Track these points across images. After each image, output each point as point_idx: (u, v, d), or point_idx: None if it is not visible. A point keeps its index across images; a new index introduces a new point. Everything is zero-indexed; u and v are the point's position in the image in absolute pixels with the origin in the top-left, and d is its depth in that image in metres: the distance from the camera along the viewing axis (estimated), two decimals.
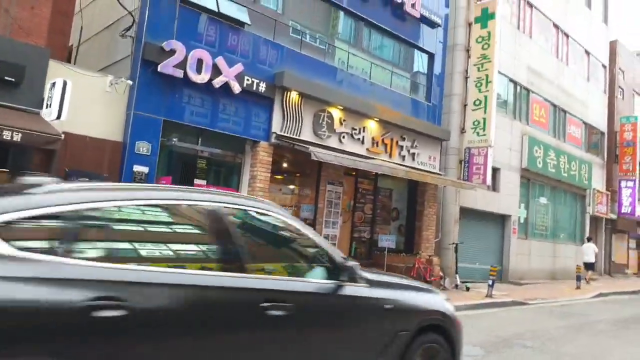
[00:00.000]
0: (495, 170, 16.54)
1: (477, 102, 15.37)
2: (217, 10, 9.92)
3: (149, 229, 3.07)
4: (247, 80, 10.17)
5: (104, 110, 8.96)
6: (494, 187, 16.85)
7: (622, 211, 24.59)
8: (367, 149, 12.58)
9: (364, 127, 12.54)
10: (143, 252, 2.92)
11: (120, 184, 4.41)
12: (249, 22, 10.48)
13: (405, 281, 4.39)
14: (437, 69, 14.98)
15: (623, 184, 24.65)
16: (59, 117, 7.64)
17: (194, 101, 9.69)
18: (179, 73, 9.19)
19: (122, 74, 9.21)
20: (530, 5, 19.07)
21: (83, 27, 10.68)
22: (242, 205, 3.34)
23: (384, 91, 13.25)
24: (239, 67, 9.97)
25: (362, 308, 3.55)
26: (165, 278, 2.67)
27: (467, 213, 15.80)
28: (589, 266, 18.69)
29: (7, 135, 6.77)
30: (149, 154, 9.19)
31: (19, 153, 8.29)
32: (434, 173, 14.17)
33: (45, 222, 2.50)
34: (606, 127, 24.44)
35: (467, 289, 12.90)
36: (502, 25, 16.32)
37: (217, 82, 9.66)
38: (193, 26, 9.68)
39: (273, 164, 10.95)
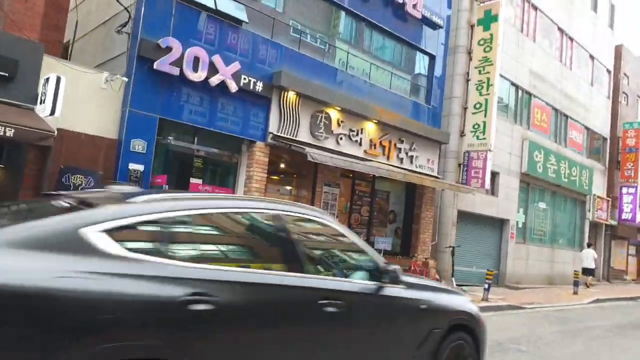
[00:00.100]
0: (494, 175, 16.44)
1: (478, 105, 15.27)
2: (214, 8, 9.84)
3: (228, 233, 3.46)
4: (244, 79, 10.10)
5: (100, 107, 8.91)
6: (493, 191, 16.76)
7: (623, 217, 24.47)
8: (365, 151, 12.51)
9: (362, 129, 12.46)
10: (224, 254, 3.32)
11: (201, 194, 4.88)
12: (246, 20, 10.40)
13: (436, 284, 4.88)
14: (437, 71, 14.88)
15: (624, 190, 24.52)
16: (52, 113, 7.58)
17: (190, 99, 9.63)
18: (175, 71, 9.12)
19: (118, 70, 9.15)
20: (535, 8, 18.92)
21: (79, 24, 10.63)
22: (299, 212, 3.71)
23: (383, 93, 13.17)
24: (236, 66, 9.90)
25: (401, 307, 3.93)
26: (244, 277, 3.04)
27: (464, 217, 15.72)
28: (588, 272, 18.67)
29: None
30: (144, 152, 9.13)
31: (13, 149, 8.25)
32: (432, 176, 14.09)
33: (146, 227, 2.84)
34: (609, 132, 24.29)
35: (463, 292, 12.83)
36: (505, 27, 16.21)
37: (214, 81, 9.59)
38: (190, 23, 9.61)
39: (270, 165, 10.89)
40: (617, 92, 25.23)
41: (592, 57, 22.73)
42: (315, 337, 3.33)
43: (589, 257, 18.78)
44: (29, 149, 8.14)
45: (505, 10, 15.88)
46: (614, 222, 24.49)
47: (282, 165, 12.07)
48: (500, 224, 17.51)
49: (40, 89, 7.84)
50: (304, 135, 11.22)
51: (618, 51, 25.31)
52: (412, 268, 12.61)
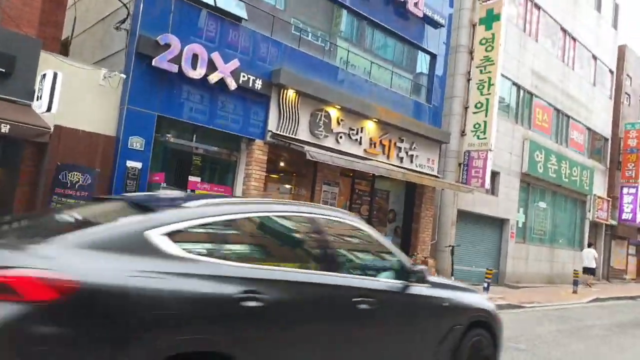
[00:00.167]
0: (494, 174, 16.38)
1: (479, 105, 15.20)
2: (214, 5, 9.78)
3: (271, 235, 3.71)
4: (244, 76, 10.03)
5: (97, 103, 8.85)
6: (493, 191, 16.70)
7: (623, 217, 24.44)
8: (365, 150, 12.45)
9: (362, 128, 12.40)
10: (269, 254, 3.57)
11: (247, 198, 5.06)
12: (246, 18, 10.33)
13: (457, 283, 5.24)
14: (439, 70, 14.80)
15: (625, 190, 24.48)
16: (49, 109, 7.53)
17: (189, 97, 9.57)
18: (174, 68, 9.06)
19: (116, 67, 9.10)
20: (538, 7, 18.80)
21: (78, 20, 10.56)
22: (333, 215, 3.98)
23: (383, 91, 13.10)
24: (235, 63, 9.84)
25: (426, 305, 4.16)
26: (288, 276, 3.27)
27: (464, 216, 15.67)
28: (589, 271, 18.74)
29: None
30: (142, 149, 9.08)
31: (10, 146, 8.21)
32: (432, 176, 14.03)
33: (201, 230, 3.07)
34: (610, 133, 24.19)
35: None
36: (507, 27, 16.11)
37: (213, 78, 9.53)
38: (189, 20, 9.55)
39: (269, 163, 10.84)
40: (620, 92, 25.12)
41: (595, 57, 22.61)
42: (349, 332, 3.56)
43: (589, 257, 18.81)
44: (26, 146, 8.10)
45: (507, 10, 15.78)
46: (614, 222, 24.46)
47: (282, 164, 12.01)
48: (500, 223, 17.46)
49: (37, 85, 7.79)
50: (303, 134, 11.16)
51: (621, 51, 25.20)
52: None
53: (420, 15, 13.69)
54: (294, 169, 12.22)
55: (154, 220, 2.88)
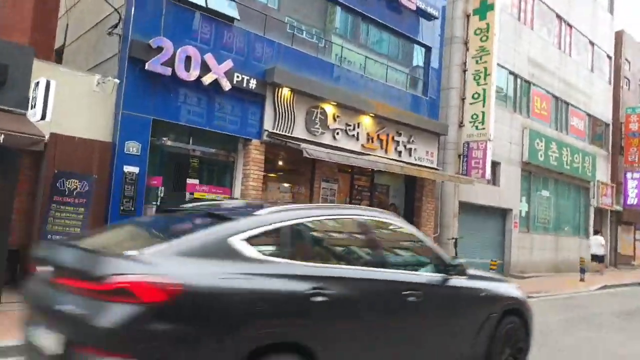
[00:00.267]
0: (495, 164, 16.33)
1: (476, 96, 15.15)
2: (205, 6, 9.78)
3: (332, 236, 4.12)
4: (238, 77, 10.03)
5: (92, 110, 8.86)
6: (494, 181, 16.65)
7: (628, 202, 24.28)
8: (362, 145, 12.43)
9: (358, 123, 12.38)
10: (331, 254, 3.96)
11: (308, 204, 5.35)
12: (238, 18, 10.32)
13: (490, 274, 5.63)
14: (434, 63, 14.76)
15: (629, 175, 24.34)
16: (43, 117, 7.51)
17: (183, 99, 9.57)
18: (167, 71, 9.06)
19: (110, 73, 9.10)
20: None
21: (71, 28, 10.58)
22: (380, 217, 4.42)
23: (379, 86, 13.07)
24: (228, 64, 9.83)
25: (466, 295, 4.53)
26: (348, 273, 3.65)
27: (466, 207, 15.62)
28: (597, 258, 18.70)
29: None
30: (139, 154, 9.09)
31: (7, 156, 8.20)
32: (431, 168, 14.00)
33: (273, 234, 3.42)
34: (611, 118, 24.05)
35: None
36: (502, 16, 16.04)
37: (207, 80, 9.52)
38: (181, 22, 9.54)
39: (266, 162, 10.83)
40: (618, 77, 25.00)
41: (592, 43, 22.50)
42: (400, 322, 3.92)
43: (597, 244, 18.79)
44: (23, 155, 8.10)
45: None
46: (619, 208, 24.34)
47: (280, 163, 11.99)
48: (502, 213, 17.41)
49: (31, 94, 7.79)
50: (299, 132, 11.15)
51: (619, 36, 25.07)
52: None
53: (414, 8, 13.66)
54: (292, 167, 12.21)
55: (234, 228, 3.24)
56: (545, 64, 19.18)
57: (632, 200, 24.20)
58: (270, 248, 3.38)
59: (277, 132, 10.73)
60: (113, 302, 2.66)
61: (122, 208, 8.82)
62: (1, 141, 6.76)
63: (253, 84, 10.28)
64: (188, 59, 9.31)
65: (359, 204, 13.47)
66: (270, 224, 3.41)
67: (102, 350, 2.65)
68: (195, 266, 2.92)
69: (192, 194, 9.98)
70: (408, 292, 3.91)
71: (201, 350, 2.81)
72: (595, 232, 20.00)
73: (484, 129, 14.88)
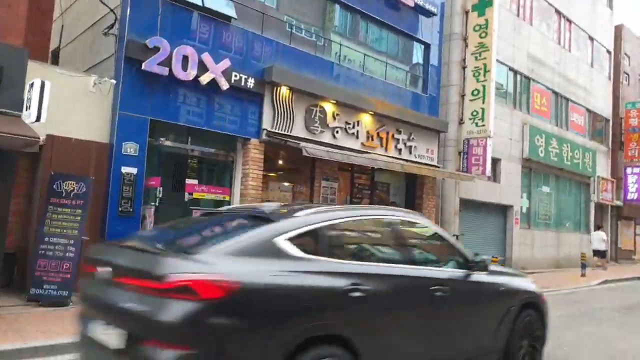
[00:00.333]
0: (495, 161, 16.27)
1: (476, 92, 15.07)
2: (202, 5, 9.68)
3: (366, 235, 4.36)
4: (235, 76, 9.94)
5: (89, 111, 8.77)
6: (495, 178, 16.58)
7: (628, 198, 24.29)
8: (362, 144, 12.35)
9: (358, 121, 12.30)
10: (366, 252, 4.15)
11: (343, 206, 5.47)
12: (235, 17, 10.23)
13: (508, 269, 5.87)
14: (433, 60, 14.67)
15: (629, 170, 24.33)
16: (38, 119, 7.41)
17: (181, 99, 9.48)
18: (164, 71, 8.98)
19: (106, 73, 9.01)
20: None
21: (67, 29, 10.48)
22: (408, 217, 4.63)
23: (378, 84, 12.99)
24: (226, 63, 9.74)
25: (488, 290, 4.76)
26: (382, 270, 3.86)
27: (467, 204, 15.56)
28: (598, 254, 18.68)
29: None
30: (136, 154, 9.00)
31: (3, 158, 8.13)
32: (431, 165, 13.92)
33: (312, 234, 3.61)
34: (611, 113, 23.98)
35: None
36: (501, 12, 15.97)
37: (204, 79, 9.44)
38: (177, 22, 9.45)
39: (266, 162, 10.75)
40: (618, 72, 24.93)
41: (591, 38, 22.41)
42: (429, 316, 4.12)
43: (598, 239, 18.76)
44: (20, 157, 8.02)
45: None
46: (619, 203, 24.31)
47: (279, 162, 11.91)
48: (503, 210, 17.35)
49: (25, 95, 7.71)
50: (299, 130, 11.07)
51: (618, 31, 24.99)
52: None
53: (412, 5, 13.57)
54: (292, 166, 12.12)
55: (278, 229, 3.44)
56: (544, 60, 19.10)
57: (632, 195, 24.19)
58: (311, 247, 3.55)
59: (276, 131, 10.64)
60: (174, 299, 2.86)
61: (120, 209, 8.75)
62: None
63: (251, 83, 10.19)
64: (185, 59, 9.22)
65: (360, 203, 13.41)
66: (310, 225, 3.61)
67: (164, 343, 2.87)
68: (247, 265, 3.13)
69: (191, 194, 9.90)
70: (435, 287, 4.09)
71: (254, 342, 2.99)
72: (597, 228, 19.99)
73: (484, 125, 14.80)
